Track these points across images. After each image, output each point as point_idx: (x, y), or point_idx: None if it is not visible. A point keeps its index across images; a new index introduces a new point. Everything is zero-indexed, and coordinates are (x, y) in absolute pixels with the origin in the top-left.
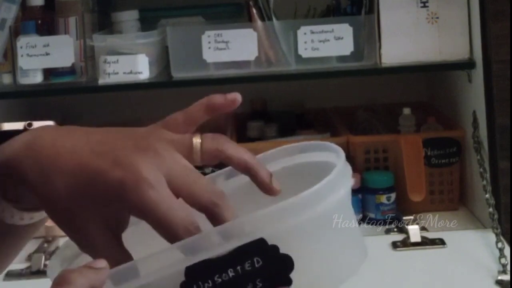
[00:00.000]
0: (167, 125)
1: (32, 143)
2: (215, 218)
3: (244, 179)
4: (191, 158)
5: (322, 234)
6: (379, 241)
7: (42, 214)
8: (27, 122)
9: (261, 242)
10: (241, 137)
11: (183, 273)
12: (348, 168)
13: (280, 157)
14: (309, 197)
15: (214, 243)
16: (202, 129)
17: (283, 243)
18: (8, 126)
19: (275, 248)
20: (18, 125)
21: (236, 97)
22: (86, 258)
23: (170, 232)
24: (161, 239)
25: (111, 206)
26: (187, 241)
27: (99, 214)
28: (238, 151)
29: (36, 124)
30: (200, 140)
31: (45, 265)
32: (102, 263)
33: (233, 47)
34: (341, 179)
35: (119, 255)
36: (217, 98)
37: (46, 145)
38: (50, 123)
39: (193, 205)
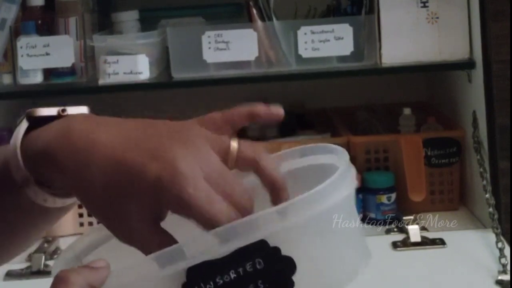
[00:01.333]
0: (204, 123)
1: (67, 132)
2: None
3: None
4: (225, 161)
5: (324, 235)
6: (379, 241)
7: (74, 198)
8: (61, 108)
9: (262, 243)
10: (241, 137)
11: (185, 274)
12: (352, 170)
13: (286, 160)
14: (310, 198)
15: (216, 245)
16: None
17: (284, 245)
18: (41, 111)
19: (276, 249)
20: (52, 111)
21: (280, 111)
22: (92, 258)
23: (212, 226)
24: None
25: (148, 198)
26: (187, 241)
27: (136, 204)
28: (272, 166)
29: (70, 110)
30: (237, 145)
31: (45, 265)
32: (102, 262)
33: (233, 47)
34: (343, 180)
35: (159, 241)
36: (262, 107)
37: (81, 136)
38: (84, 109)
39: (229, 202)
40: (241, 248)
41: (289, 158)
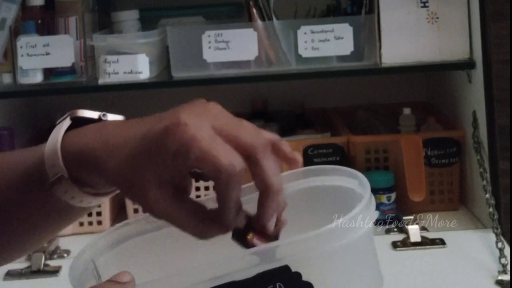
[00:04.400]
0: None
1: (103, 127)
2: (254, 164)
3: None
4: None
5: (345, 265)
6: (379, 241)
7: (100, 200)
8: (102, 112)
9: (285, 268)
10: None
11: None
12: (373, 199)
13: (296, 179)
14: (336, 229)
15: (241, 266)
16: None
17: (306, 270)
18: (84, 112)
19: (298, 275)
20: (94, 114)
21: (299, 160)
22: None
23: (215, 167)
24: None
25: (162, 158)
26: (217, 261)
27: (154, 171)
28: (270, 168)
29: (110, 116)
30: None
31: (45, 265)
32: (127, 276)
33: (233, 47)
34: (368, 211)
35: (181, 208)
36: (287, 147)
37: (114, 133)
38: (120, 117)
39: (235, 147)
40: (264, 271)
41: (299, 178)
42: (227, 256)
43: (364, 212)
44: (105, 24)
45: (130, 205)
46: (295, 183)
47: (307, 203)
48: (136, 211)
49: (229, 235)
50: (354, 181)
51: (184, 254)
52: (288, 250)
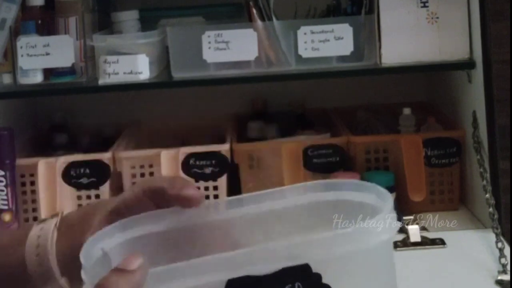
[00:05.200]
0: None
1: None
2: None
3: (250, 209)
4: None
5: (365, 270)
6: None
7: None
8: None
9: (306, 267)
10: (241, 137)
11: (224, 285)
12: (394, 214)
13: (307, 192)
14: (361, 231)
15: (262, 260)
16: (202, 131)
17: (326, 272)
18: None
19: (318, 276)
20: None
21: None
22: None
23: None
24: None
25: None
26: (236, 253)
27: None
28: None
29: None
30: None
31: None
32: (137, 261)
33: (233, 47)
34: (391, 220)
35: None
36: (192, 190)
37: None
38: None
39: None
40: (284, 268)
41: (314, 191)
42: (246, 249)
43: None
44: (105, 24)
45: None
46: (304, 196)
47: (319, 218)
48: None
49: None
50: (367, 194)
51: (194, 252)
52: (309, 248)
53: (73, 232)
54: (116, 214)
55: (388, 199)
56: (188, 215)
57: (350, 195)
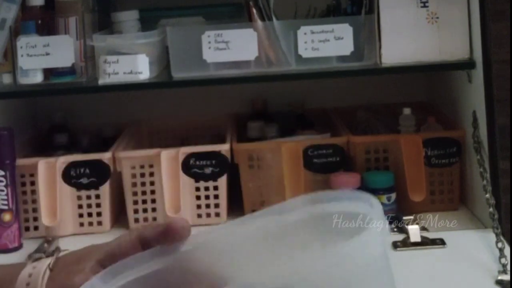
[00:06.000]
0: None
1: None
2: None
3: (255, 228)
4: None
5: (364, 282)
6: None
7: None
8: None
9: None
10: (241, 137)
11: None
12: (387, 224)
13: (305, 205)
14: (352, 249)
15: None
16: (202, 130)
17: (321, 283)
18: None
19: None
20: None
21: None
22: None
23: None
24: None
25: None
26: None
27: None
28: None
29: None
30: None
31: None
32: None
33: (233, 47)
34: (382, 233)
35: None
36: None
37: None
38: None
39: None
40: None
41: (310, 203)
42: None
43: (381, 232)
44: (105, 25)
45: (130, 206)
46: (303, 209)
47: (317, 231)
48: (136, 211)
49: None
50: (362, 204)
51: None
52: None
53: (66, 273)
54: (110, 259)
55: (375, 205)
56: (173, 252)
57: (337, 207)
